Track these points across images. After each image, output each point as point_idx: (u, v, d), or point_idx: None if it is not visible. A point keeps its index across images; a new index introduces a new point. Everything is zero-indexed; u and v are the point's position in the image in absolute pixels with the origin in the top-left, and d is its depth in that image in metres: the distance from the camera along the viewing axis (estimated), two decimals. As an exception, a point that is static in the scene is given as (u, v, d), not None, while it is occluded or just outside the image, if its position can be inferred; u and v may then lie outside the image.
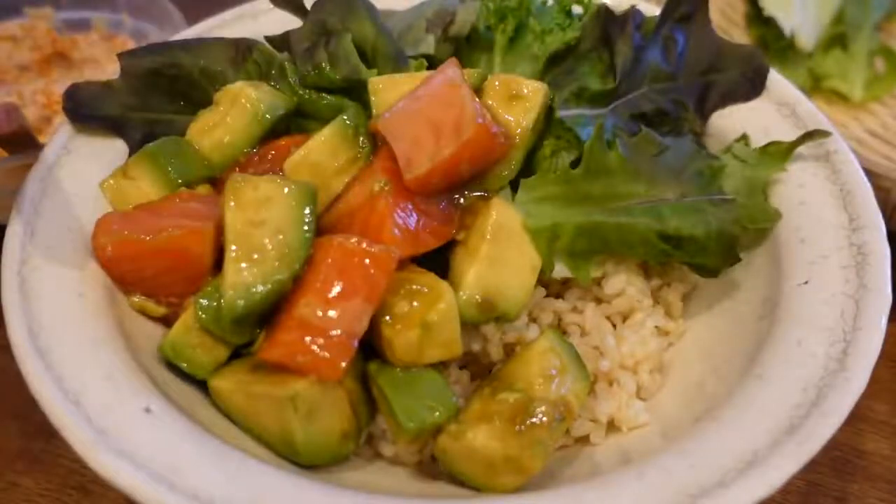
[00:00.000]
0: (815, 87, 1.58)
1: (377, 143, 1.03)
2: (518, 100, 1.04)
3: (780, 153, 1.10)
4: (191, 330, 0.92)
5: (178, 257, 0.95)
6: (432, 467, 0.94)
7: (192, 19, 1.29)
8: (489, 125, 0.96)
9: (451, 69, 1.00)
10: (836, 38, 1.60)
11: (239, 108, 1.10)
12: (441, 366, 0.94)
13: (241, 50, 1.19)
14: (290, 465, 0.88)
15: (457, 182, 0.99)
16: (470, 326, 0.96)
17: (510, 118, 1.03)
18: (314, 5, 1.20)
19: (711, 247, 1.00)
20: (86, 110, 1.11)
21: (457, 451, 0.88)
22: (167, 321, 0.98)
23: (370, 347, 0.93)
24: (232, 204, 0.93)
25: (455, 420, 0.89)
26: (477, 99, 0.97)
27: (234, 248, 0.90)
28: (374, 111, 1.05)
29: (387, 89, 1.05)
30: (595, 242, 1.00)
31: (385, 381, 0.90)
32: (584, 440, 0.99)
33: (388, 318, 0.90)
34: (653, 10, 1.17)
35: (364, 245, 0.89)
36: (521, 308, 0.96)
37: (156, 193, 1.03)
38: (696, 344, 1.06)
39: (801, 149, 1.10)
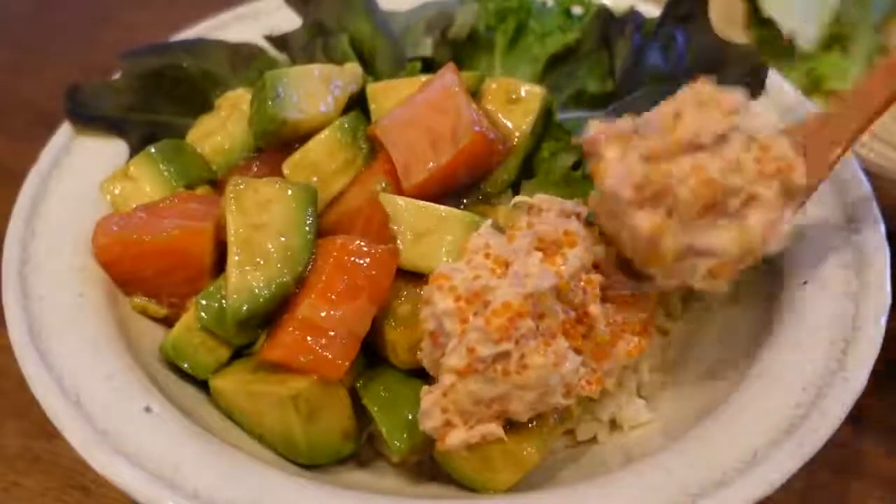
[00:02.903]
0: (814, 87, 1.57)
1: (376, 146, 1.04)
2: (516, 103, 1.04)
3: (779, 154, 1.10)
4: (192, 330, 0.92)
5: (178, 257, 0.95)
6: (432, 467, 0.94)
7: (192, 19, 1.29)
8: (486, 132, 0.96)
9: (448, 75, 1.00)
10: (836, 39, 1.60)
11: (239, 115, 1.10)
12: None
13: (244, 56, 1.20)
14: (291, 465, 0.88)
15: (456, 187, 0.99)
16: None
17: (508, 122, 1.04)
18: (312, 4, 1.20)
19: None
20: (86, 110, 1.11)
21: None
22: (168, 321, 0.98)
23: (373, 351, 0.93)
24: (233, 207, 0.93)
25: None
26: (474, 105, 0.97)
27: (236, 251, 0.90)
28: (372, 117, 1.05)
29: (385, 95, 1.05)
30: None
31: (371, 400, 0.90)
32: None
33: (391, 320, 0.91)
34: (652, 12, 1.17)
35: (366, 246, 0.89)
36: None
37: (157, 194, 1.04)
38: (696, 343, 1.06)
39: (800, 149, 1.10)
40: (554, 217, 0.91)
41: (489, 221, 0.91)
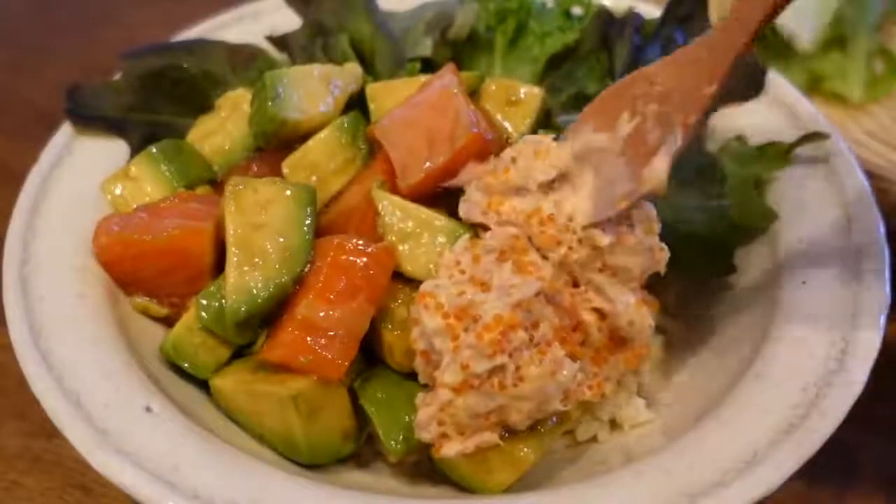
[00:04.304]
0: (813, 88, 1.57)
1: (375, 146, 1.04)
2: (516, 105, 1.05)
3: (779, 154, 1.10)
4: (192, 330, 0.92)
5: (178, 257, 0.95)
6: (431, 468, 0.94)
7: (192, 19, 1.29)
8: (484, 133, 0.96)
9: (447, 76, 1.00)
10: (835, 39, 1.60)
11: (240, 115, 1.10)
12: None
13: (244, 56, 1.20)
14: (290, 465, 0.88)
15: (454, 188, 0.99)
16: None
17: (507, 123, 1.04)
18: (313, 4, 1.20)
19: (705, 253, 1.01)
20: (87, 110, 1.12)
21: None
22: (168, 321, 0.98)
23: (371, 350, 0.93)
24: (232, 208, 0.93)
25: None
26: (472, 106, 0.97)
27: (235, 251, 0.90)
28: (371, 117, 1.05)
29: (385, 95, 1.06)
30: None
31: (368, 401, 0.90)
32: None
33: (387, 323, 0.91)
34: (652, 12, 1.18)
35: (363, 245, 0.89)
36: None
37: (157, 194, 1.04)
38: (696, 343, 1.06)
39: (800, 149, 1.10)
40: (496, 226, 0.91)
41: (466, 236, 0.91)
